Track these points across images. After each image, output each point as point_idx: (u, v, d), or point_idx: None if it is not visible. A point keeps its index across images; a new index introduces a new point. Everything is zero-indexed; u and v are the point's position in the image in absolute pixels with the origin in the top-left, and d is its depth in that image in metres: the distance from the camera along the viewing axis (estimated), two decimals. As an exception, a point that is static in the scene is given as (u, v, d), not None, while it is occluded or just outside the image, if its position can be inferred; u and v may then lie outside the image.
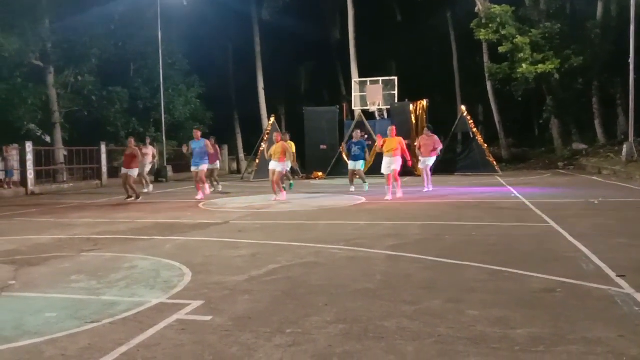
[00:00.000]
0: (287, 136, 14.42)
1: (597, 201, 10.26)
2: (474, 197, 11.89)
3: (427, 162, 13.92)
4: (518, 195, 11.96)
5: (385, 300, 4.05)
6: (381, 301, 4.04)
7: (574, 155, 24.31)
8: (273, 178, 12.21)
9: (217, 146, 16.05)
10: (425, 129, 14.53)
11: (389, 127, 12.61)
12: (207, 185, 13.90)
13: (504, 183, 15.64)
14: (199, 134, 13.61)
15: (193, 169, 13.49)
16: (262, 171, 19.84)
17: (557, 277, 4.56)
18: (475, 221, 8.16)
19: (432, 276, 4.79)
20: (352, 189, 14.40)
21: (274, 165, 12.18)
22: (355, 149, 14.72)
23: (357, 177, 15.05)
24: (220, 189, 15.43)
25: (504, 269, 4.94)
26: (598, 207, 9.64)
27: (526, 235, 6.89)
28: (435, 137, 14.12)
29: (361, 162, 14.77)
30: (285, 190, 13.04)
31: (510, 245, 6.21)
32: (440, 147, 14.12)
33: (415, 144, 14.41)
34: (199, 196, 13.11)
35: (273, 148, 12.33)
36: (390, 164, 11.85)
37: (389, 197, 11.74)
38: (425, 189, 13.57)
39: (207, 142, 13.46)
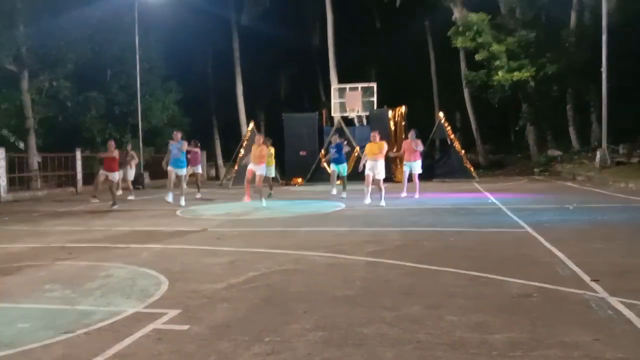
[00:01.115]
0: (269, 142, 14.44)
1: (572, 207, 10.44)
2: (452, 203, 11.98)
3: (414, 168, 13.79)
4: (495, 201, 12.11)
5: (365, 307, 4.05)
6: (361, 307, 4.04)
7: (550, 162, 24.72)
8: (251, 179, 12.23)
9: (198, 150, 15.81)
10: (411, 132, 14.32)
11: (372, 133, 12.52)
12: (170, 194, 13.03)
13: (481, 189, 15.81)
14: (179, 135, 13.34)
15: (169, 169, 13.02)
16: (241, 177, 19.71)
17: (534, 282, 4.62)
18: (454, 227, 8.23)
19: (412, 282, 4.81)
20: (334, 191, 14.49)
21: (256, 168, 12.17)
22: (332, 152, 14.85)
23: (340, 183, 15.11)
24: (198, 196, 15.24)
25: (482, 274, 4.99)
26: (573, 212, 9.81)
27: (503, 240, 6.98)
28: (419, 141, 14.08)
29: (343, 165, 14.81)
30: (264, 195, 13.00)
31: (488, 250, 6.27)
32: (420, 147, 14.01)
33: (395, 150, 14.39)
34: (169, 198, 12.84)
35: (257, 151, 12.27)
36: (373, 168, 11.81)
37: (367, 200, 11.80)
38: (404, 194, 13.61)
39: (185, 143, 13.27)
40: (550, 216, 9.30)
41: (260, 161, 12.26)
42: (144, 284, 4.93)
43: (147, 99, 24.39)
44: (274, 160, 14.90)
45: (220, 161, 31.84)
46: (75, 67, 21.70)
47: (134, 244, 7.28)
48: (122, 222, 10.00)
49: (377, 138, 12.12)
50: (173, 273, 5.34)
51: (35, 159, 20.18)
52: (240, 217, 10.46)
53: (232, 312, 4.00)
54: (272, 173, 15.09)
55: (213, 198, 15.47)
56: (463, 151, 21.31)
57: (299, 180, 21.25)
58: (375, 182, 11.85)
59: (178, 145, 12.99)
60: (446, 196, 13.91)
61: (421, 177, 14.11)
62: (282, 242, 7.21)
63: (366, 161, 11.98)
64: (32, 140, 20.61)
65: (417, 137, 14.15)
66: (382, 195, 11.76)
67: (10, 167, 17.68)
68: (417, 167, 13.88)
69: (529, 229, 7.68)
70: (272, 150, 14.72)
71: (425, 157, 14.59)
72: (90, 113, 22.51)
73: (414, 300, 4.21)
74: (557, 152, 25.59)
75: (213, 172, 31.15)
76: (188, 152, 13.72)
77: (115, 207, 12.81)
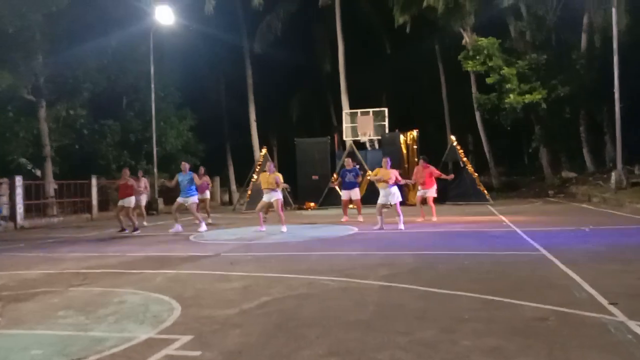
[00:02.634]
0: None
1: (588, 228, 10.31)
2: (466, 226, 11.90)
3: (427, 193, 13.80)
4: (509, 223, 11.99)
5: (379, 331, 4.01)
6: (374, 332, 4.00)
7: (564, 183, 24.50)
8: (265, 208, 12.26)
9: (207, 176, 16.03)
10: (421, 159, 14.41)
11: (383, 159, 12.53)
12: (200, 218, 13.49)
13: (495, 212, 15.68)
14: (187, 166, 13.57)
15: (180, 200, 13.32)
16: (254, 202, 19.78)
17: (549, 306, 4.55)
18: (468, 250, 8.15)
19: (426, 306, 4.75)
20: (344, 218, 14.38)
21: (271, 196, 12.16)
22: (349, 176, 14.69)
23: (353, 206, 15.02)
24: (209, 221, 15.32)
25: (496, 297, 4.92)
26: (589, 234, 9.68)
27: (518, 263, 6.89)
28: (432, 167, 14.11)
29: (356, 189, 14.72)
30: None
31: (503, 273, 6.19)
32: (435, 174, 14.02)
33: (412, 178, 14.34)
34: (173, 229, 13.00)
35: (266, 178, 12.25)
36: (387, 196, 11.82)
37: (378, 226, 11.74)
38: (420, 219, 13.51)
39: (195, 175, 13.45)
40: (566, 238, 9.18)
41: (273, 188, 12.22)
42: (157, 310, 4.94)
43: (161, 126, 24.77)
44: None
45: (233, 186, 32.02)
46: (91, 95, 22.18)
47: (148, 270, 7.31)
48: (136, 248, 10.06)
49: (388, 165, 12.09)
50: (186, 299, 5.34)
51: (51, 186, 20.47)
52: (253, 242, 10.47)
53: (244, 338, 3.98)
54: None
55: (226, 223, 15.51)
56: (476, 174, 21.22)
57: (312, 204, 21.27)
58: (392, 207, 11.79)
59: (187, 176, 13.19)
60: (459, 219, 13.81)
61: (434, 200, 14.05)
62: (295, 266, 7.18)
63: (376, 180, 11.99)
64: (49, 167, 20.93)
65: (429, 162, 14.13)
66: (400, 219, 11.71)
67: (27, 194, 17.94)
68: (431, 192, 13.85)
69: (544, 251, 7.59)
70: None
71: (439, 180, 14.54)
72: (106, 140, 22.89)
73: (427, 324, 4.16)
74: (572, 174, 25.37)
75: (226, 197, 31.30)
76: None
77: (136, 232, 13.20)
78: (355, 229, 12.02)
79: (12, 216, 16.92)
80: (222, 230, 13.31)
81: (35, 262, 8.68)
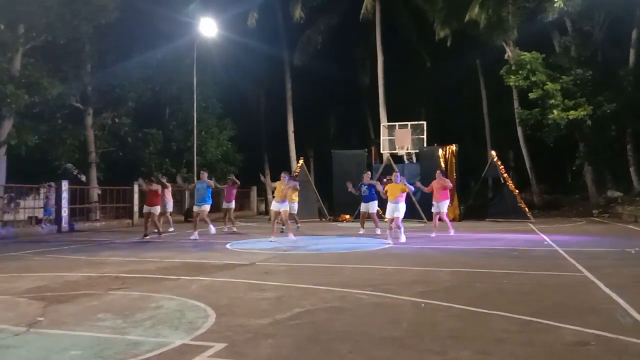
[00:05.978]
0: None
1: (634, 251, 9.91)
2: (505, 244, 11.62)
3: (441, 207, 13.92)
4: (551, 243, 11.65)
5: (412, 350, 3.95)
6: (407, 350, 3.94)
7: (609, 203, 23.63)
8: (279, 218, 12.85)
9: (235, 185, 16.23)
10: (438, 172, 14.60)
11: (394, 173, 12.93)
12: (211, 226, 14.24)
13: (537, 230, 15.27)
14: (205, 175, 14.29)
15: (195, 208, 14.14)
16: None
17: (591, 330, 4.38)
18: (507, 269, 7.95)
19: (461, 325, 4.65)
20: (362, 231, 14.48)
21: (280, 206, 12.70)
22: (364, 190, 14.87)
23: (369, 219, 15.04)
24: (234, 229, 15.67)
25: (535, 319, 4.77)
26: (635, 256, 9.30)
27: (559, 284, 6.68)
28: (447, 180, 14.19)
29: (372, 203, 14.77)
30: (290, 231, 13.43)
31: (543, 294, 6.01)
32: (450, 186, 14.12)
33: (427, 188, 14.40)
34: (193, 236, 13.46)
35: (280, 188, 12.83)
36: (394, 210, 11.94)
37: (389, 240, 11.88)
38: (434, 235, 13.55)
39: (210, 182, 14.12)
40: (611, 260, 8.85)
41: (284, 199, 12.75)
42: (192, 317, 5.01)
43: (202, 136, 25.27)
44: (297, 197, 15.10)
45: (269, 196, 32.22)
46: (136, 105, 22.87)
47: (184, 276, 7.43)
48: (173, 254, 10.24)
49: (398, 179, 12.29)
50: (220, 306, 5.40)
51: (95, 191, 21.13)
52: (288, 252, 10.51)
53: (276, 349, 3.98)
54: (295, 209, 15.25)
55: (261, 233, 15.63)
56: (517, 191, 20.75)
57: (347, 216, 21.22)
58: (394, 219, 11.92)
59: (203, 184, 13.96)
60: (499, 236, 13.52)
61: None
62: (328, 278, 7.16)
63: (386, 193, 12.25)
64: (94, 173, 21.65)
65: (444, 176, 14.30)
66: (401, 232, 11.96)
67: (72, 199, 18.56)
68: (443, 206, 13.98)
69: (587, 273, 7.33)
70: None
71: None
72: (149, 148, 23.49)
73: (462, 344, 4.07)
74: (617, 193, 24.47)
75: (263, 207, 31.56)
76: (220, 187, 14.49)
77: (154, 236, 13.81)
78: (390, 243, 11.92)
79: (58, 219, 17.52)
80: (257, 240, 13.42)
81: (77, 264, 8.95)
